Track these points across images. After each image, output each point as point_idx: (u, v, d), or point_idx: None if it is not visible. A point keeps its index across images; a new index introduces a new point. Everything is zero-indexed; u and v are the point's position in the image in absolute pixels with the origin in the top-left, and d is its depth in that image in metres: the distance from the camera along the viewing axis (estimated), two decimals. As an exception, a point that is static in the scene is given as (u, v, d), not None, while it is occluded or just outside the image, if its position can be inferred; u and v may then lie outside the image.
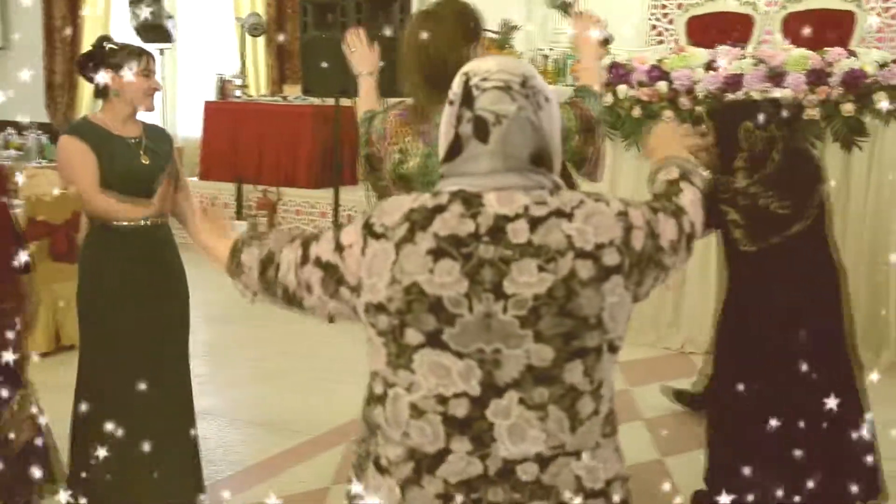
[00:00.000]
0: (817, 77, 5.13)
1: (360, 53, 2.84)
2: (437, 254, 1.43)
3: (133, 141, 3.07)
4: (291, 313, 1.68)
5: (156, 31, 8.53)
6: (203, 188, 7.86)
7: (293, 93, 8.50)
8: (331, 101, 7.08)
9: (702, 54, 5.60)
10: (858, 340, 3.19)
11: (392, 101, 2.75)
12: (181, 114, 9.70)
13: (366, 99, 2.82)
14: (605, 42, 2.46)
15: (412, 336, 1.44)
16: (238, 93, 9.01)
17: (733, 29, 6.42)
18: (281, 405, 4.55)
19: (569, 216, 1.45)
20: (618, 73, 5.71)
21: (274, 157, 8.11)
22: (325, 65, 5.85)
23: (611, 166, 5.86)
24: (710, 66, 5.50)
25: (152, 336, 3.09)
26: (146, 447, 2.84)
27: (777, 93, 5.02)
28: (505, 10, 6.85)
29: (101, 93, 3.06)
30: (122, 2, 9.18)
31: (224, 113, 8.57)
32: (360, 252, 1.49)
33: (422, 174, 2.47)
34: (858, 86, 5.09)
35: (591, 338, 1.44)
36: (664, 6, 7.35)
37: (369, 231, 1.49)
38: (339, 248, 1.53)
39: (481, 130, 1.47)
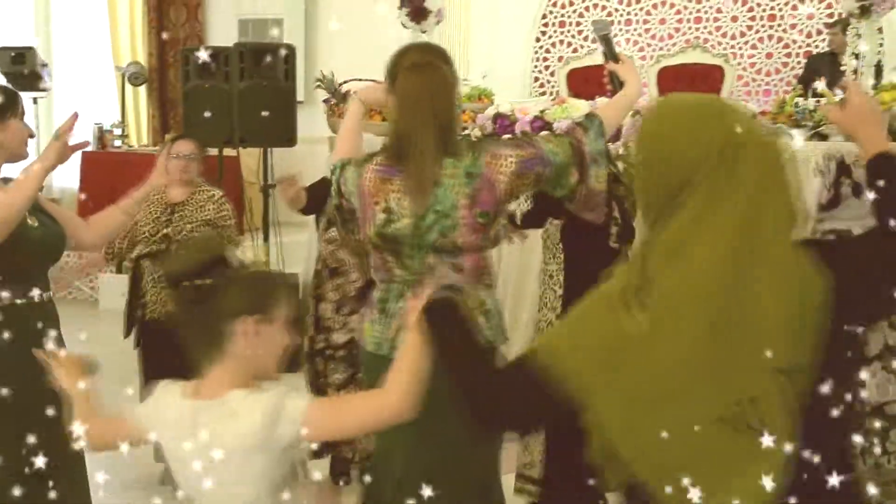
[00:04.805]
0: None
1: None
2: None
3: None
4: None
5: (29, 78, 8.26)
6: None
7: (175, 143, 8.32)
8: (214, 151, 6.96)
9: (582, 105, 5.77)
10: None
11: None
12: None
13: (345, 137, 2.59)
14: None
15: None
16: (118, 142, 8.78)
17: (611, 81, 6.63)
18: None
19: None
20: (502, 123, 5.82)
21: (156, 207, 7.88)
22: (208, 114, 5.73)
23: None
24: (590, 117, 5.67)
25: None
26: None
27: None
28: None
29: None
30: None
31: (103, 163, 8.30)
32: None
33: (413, 235, 2.33)
34: (729, 136, 5.33)
35: None
36: (546, 59, 7.56)
37: None
38: None
39: (858, 191, 2.07)
